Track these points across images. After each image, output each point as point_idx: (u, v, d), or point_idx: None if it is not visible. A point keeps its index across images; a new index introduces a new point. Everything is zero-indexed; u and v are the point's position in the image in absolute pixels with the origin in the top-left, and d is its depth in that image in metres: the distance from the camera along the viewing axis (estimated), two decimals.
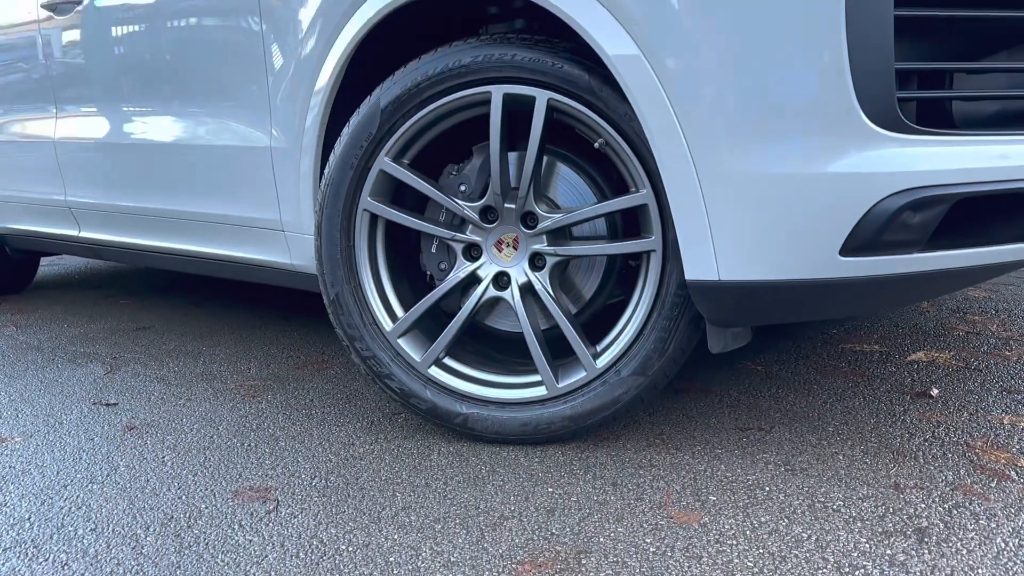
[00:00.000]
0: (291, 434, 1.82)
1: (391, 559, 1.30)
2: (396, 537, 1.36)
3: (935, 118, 1.31)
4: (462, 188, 1.69)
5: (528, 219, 1.66)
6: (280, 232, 2.05)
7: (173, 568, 1.30)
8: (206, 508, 1.50)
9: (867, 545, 1.27)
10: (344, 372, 2.24)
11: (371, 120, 1.66)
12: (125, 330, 2.84)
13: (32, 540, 1.42)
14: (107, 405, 2.07)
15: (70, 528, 1.45)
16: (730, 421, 1.77)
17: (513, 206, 1.64)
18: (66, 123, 2.63)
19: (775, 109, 1.29)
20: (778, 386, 1.96)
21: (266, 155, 1.99)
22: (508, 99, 1.56)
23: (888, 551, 1.25)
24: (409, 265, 1.84)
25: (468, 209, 1.66)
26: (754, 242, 1.34)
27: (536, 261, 1.67)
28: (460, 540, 1.34)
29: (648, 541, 1.31)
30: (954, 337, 2.27)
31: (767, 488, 1.47)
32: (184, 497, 1.54)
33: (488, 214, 1.68)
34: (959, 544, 1.26)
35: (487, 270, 1.70)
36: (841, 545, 1.27)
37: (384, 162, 1.67)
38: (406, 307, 1.75)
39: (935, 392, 1.87)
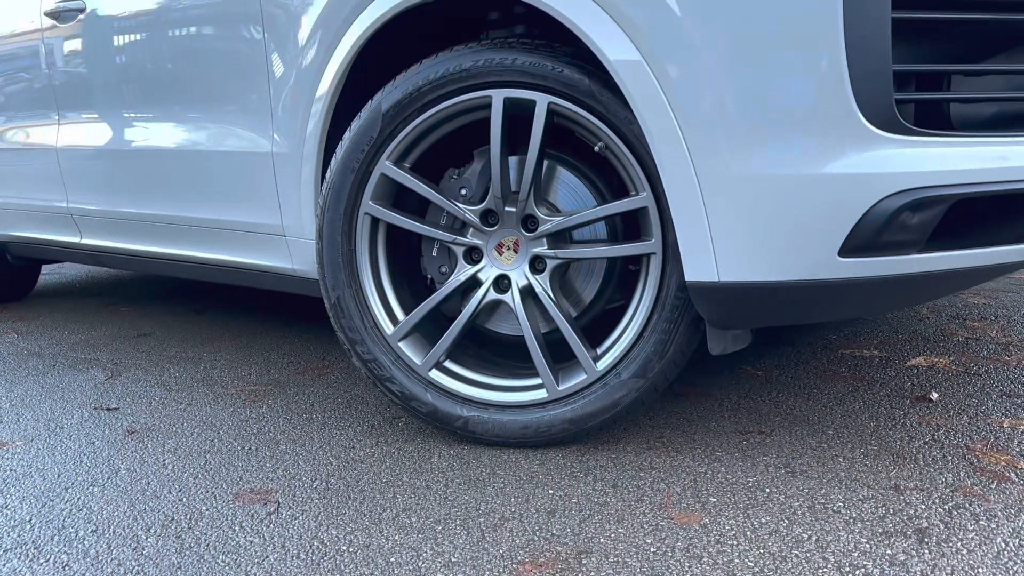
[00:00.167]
0: (292, 438, 1.82)
1: (392, 559, 1.30)
2: (397, 538, 1.36)
3: (933, 120, 1.32)
4: (463, 192, 1.70)
5: (528, 222, 1.67)
6: (281, 237, 2.06)
7: (174, 569, 1.30)
8: (207, 510, 1.50)
9: (867, 545, 1.27)
10: (344, 377, 2.25)
11: (372, 124, 1.67)
12: (126, 337, 2.85)
13: (33, 541, 1.42)
14: (108, 410, 2.08)
15: (71, 530, 1.45)
16: (730, 424, 1.77)
17: (514, 209, 1.65)
18: (68, 130, 2.64)
19: (774, 112, 1.30)
20: (778, 390, 1.96)
21: (268, 160, 2.00)
22: (509, 103, 1.57)
23: (888, 551, 1.25)
24: (410, 269, 1.85)
25: (469, 212, 1.67)
26: (754, 243, 1.35)
27: (536, 264, 1.68)
28: (461, 541, 1.34)
29: (649, 541, 1.31)
30: (954, 342, 2.28)
31: (767, 490, 1.47)
32: (185, 499, 1.55)
33: (489, 217, 1.68)
34: (959, 544, 1.26)
35: (488, 273, 1.70)
36: (841, 545, 1.27)
37: (385, 166, 1.68)
38: (407, 310, 1.76)
39: (935, 396, 1.87)
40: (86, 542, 1.40)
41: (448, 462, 1.65)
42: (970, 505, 1.38)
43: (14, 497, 1.59)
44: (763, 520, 1.36)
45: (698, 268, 1.40)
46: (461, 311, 1.70)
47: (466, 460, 1.66)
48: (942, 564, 1.21)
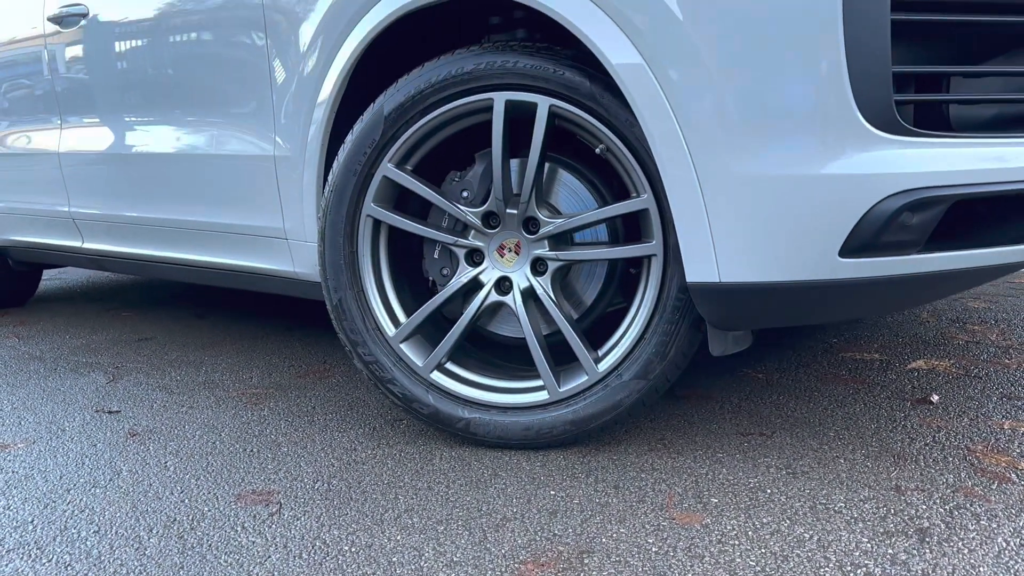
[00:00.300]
0: (293, 440, 1.82)
1: (394, 559, 1.30)
2: (399, 538, 1.37)
3: (932, 121, 1.32)
4: (464, 194, 1.71)
5: (530, 224, 1.67)
6: (283, 240, 2.06)
7: (176, 568, 1.31)
8: (209, 511, 1.50)
9: (869, 545, 1.27)
10: (346, 381, 2.25)
11: (375, 127, 1.68)
12: (127, 341, 2.85)
13: (35, 542, 1.42)
14: (109, 413, 2.08)
15: (73, 530, 1.45)
16: (731, 427, 1.77)
17: (515, 211, 1.65)
18: (71, 135, 2.65)
19: (775, 113, 1.31)
20: (779, 393, 1.97)
21: (270, 164, 2.01)
22: (510, 105, 1.58)
23: (890, 550, 1.25)
24: (412, 271, 1.85)
25: (470, 214, 1.68)
26: (755, 244, 1.35)
27: (538, 266, 1.68)
28: (463, 541, 1.35)
29: (650, 541, 1.31)
30: (954, 346, 2.28)
31: (769, 491, 1.47)
32: (187, 500, 1.55)
33: (490, 219, 1.69)
34: (960, 544, 1.26)
35: (489, 275, 1.71)
36: (843, 545, 1.28)
37: (387, 168, 1.69)
38: (408, 312, 1.76)
39: (935, 398, 1.87)
40: (88, 542, 1.41)
41: (450, 464, 1.65)
42: (971, 505, 1.38)
43: (16, 498, 1.60)
44: (765, 520, 1.36)
45: (699, 269, 1.41)
46: (463, 313, 1.71)
47: (468, 462, 1.66)
48: (943, 563, 1.21)
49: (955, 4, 1.26)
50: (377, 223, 1.74)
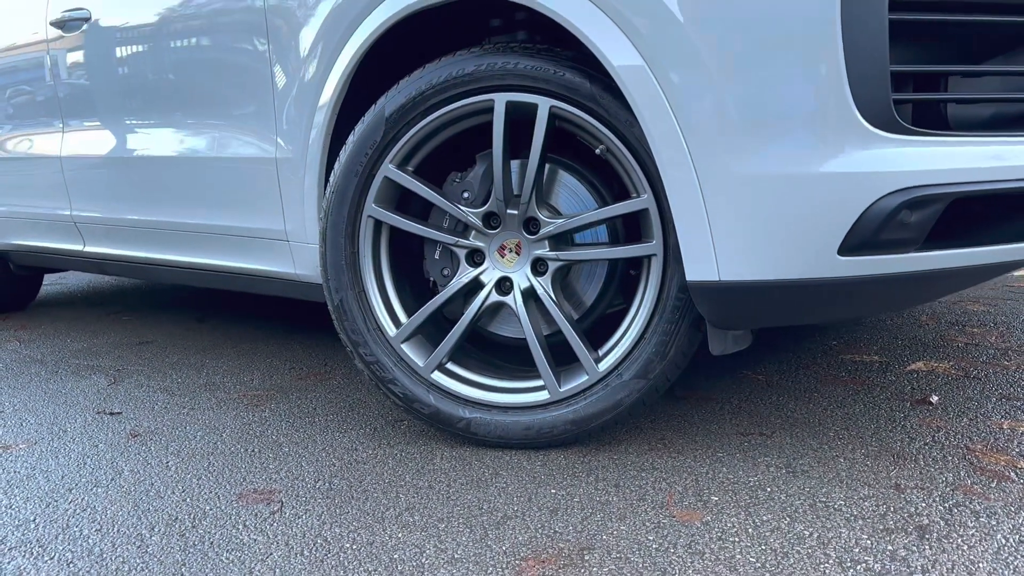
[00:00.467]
0: (294, 440, 1.83)
1: (395, 556, 1.30)
2: (400, 536, 1.37)
3: (931, 121, 1.33)
4: (465, 195, 1.72)
5: (530, 225, 1.68)
6: (284, 242, 2.07)
7: (178, 566, 1.31)
8: (210, 509, 1.50)
9: (868, 541, 1.28)
10: (346, 382, 2.26)
11: (376, 128, 1.69)
12: (128, 344, 2.85)
13: (37, 540, 1.42)
14: (111, 414, 2.08)
15: (75, 529, 1.46)
16: (731, 427, 1.78)
17: (515, 212, 1.66)
18: (72, 139, 2.66)
19: (774, 113, 1.32)
20: (779, 394, 1.97)
21: (271, 167, 2.02)
22: (511, 106, 1.59)
23: (889, 547, 1.26)
24: (412, 271, 1.86)
25: (471, 215, 1.68)
26: (754, 242, 1.36)
27: (538, 266, 1.69)
28: (464, 538, 1.35)
29: (651, 538, 1.32)
30: (953, 348, 2.29)
31: (768, 489, 1.48)
32: (188, 500, 1.55)
33: (491, 220, 1.70)
34: (960, 540, 1.27)
35: (490, 275, 1.72)
36: (843, 542, 1.28)
37: (388, 169, 1.70)
38: (409, 313, 1.77)
39: (935, 399, 1.88)
40: (90, 540, 1.41)
41: (450, 463, 1.66)
42: (970, 503, 1.39)
43: (18, 497, 1.60)
44: (765, 518, 1.37)
45: (699, 268, 1.42)
46: (463, 313, 1.72)
47: (468, 461, 1.66)
48: (943, 559, 1.22)
49: (953, 4, 1.28)
50: (378, 224, 1.75)
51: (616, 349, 1.64)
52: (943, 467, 1.53)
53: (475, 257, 1.74)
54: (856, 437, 1.69)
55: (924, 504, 1.39)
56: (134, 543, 1.39)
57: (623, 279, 1.77)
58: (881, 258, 1.31)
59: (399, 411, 1.98)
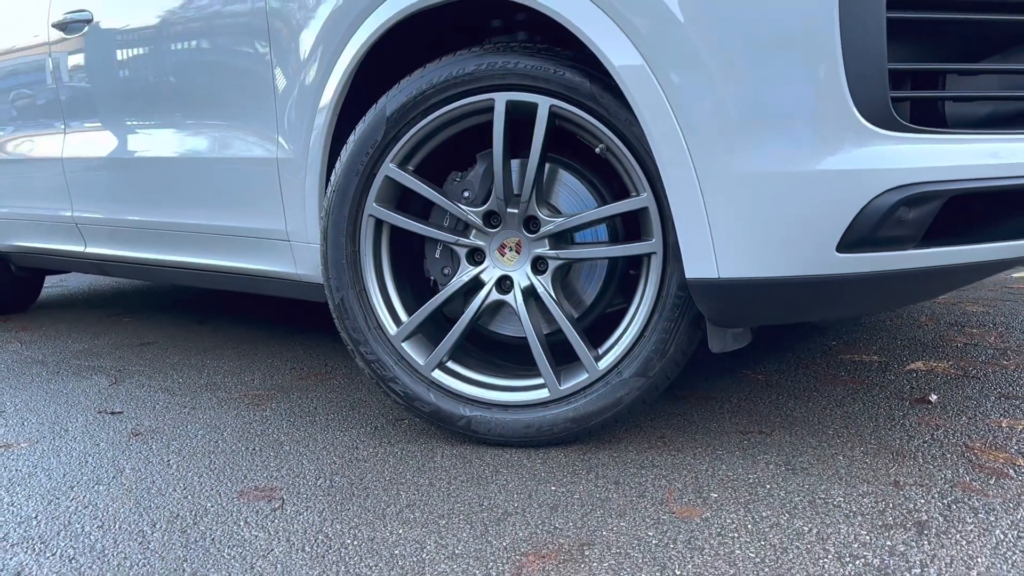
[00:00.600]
0: (295, 439, 1.83)
1: (396, 552, 1.31)
2: (401, 532, 1.37)
3: (928, 118, 1.34)
4: (465, 194, 1.72)
5: (530, 224, 1.69)
6: (285, 242, 2.08)
7: (180, 561, 1.31)
8: (212, 507, 1.51)
9: (867, 537, 1.28)
10: (347, 382, 2.26)
11: (377, 128, 1.70)
12: (129, 345, 2.86)
13: (39, 536, 1.43)
14: (112, 413, 2.09)
15: (77, 525, 1.46)
16: (731, 425, 1.78)
17: (516, 211, 1.67)
18: (74, 140, 2.67)
19: (773, 111, 1.33)
20: (778, 393, 1.98)
21: (272, 167, 2.03)
22: (511, 106, 1.60)
23: (888, 542, 1.26)
24: (413, 270, 1.87)
25: (471, 214, 1.69)
26: (753, 240, 1.37)
27: (539, 265, 1.70)
28: (464, 534, 1.36)
29: (650, 534, 1.32)
30: (952, 348, 2.29)
31: (768, 486, 1.48)
32: (190, 497, 1.56)
33: (491, 219, 1.71)
34: (958, 536, 1.27)
35: (490, 274, 1.72)
36: (842, 537, 1.29)
37: (389, 168, 1.70)
38: (410, 311, 1.78)
39: (934, 398, 1.88)
40: (92, 537, 1.41)
41: (451, 461, 1.66)
42: (969, 499, 1.39)
43: (20, 495, 1.60)
44: (764, 514, 1.37)
45: (698, 265, 1.42)
46: (464, 312, 1.72)
47: (469, 459, 1.67)
48: (941, 554, 1.22)
49: (950, 2, 1.28)
50: (379, 223, 1.76)
51: (616, 347, 1.65)
52: (942, 464, 1.53)
53: (475, 256, 1.75)
54: (855, 435, 1.69)
55: (923, 500, 1.39)
56: (136, 539, 1.40)
57: (623, 278, 1.78)
58: (879, 255, 1.32)
59: (400, 410, 1.98)
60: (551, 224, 1.65)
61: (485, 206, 1.69)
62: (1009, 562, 1.20)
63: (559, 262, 1.68)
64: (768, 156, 1.33)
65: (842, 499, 1.41)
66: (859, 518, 1.34)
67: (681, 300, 1.56)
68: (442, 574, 1.24)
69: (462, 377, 1.74)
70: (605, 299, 1.79)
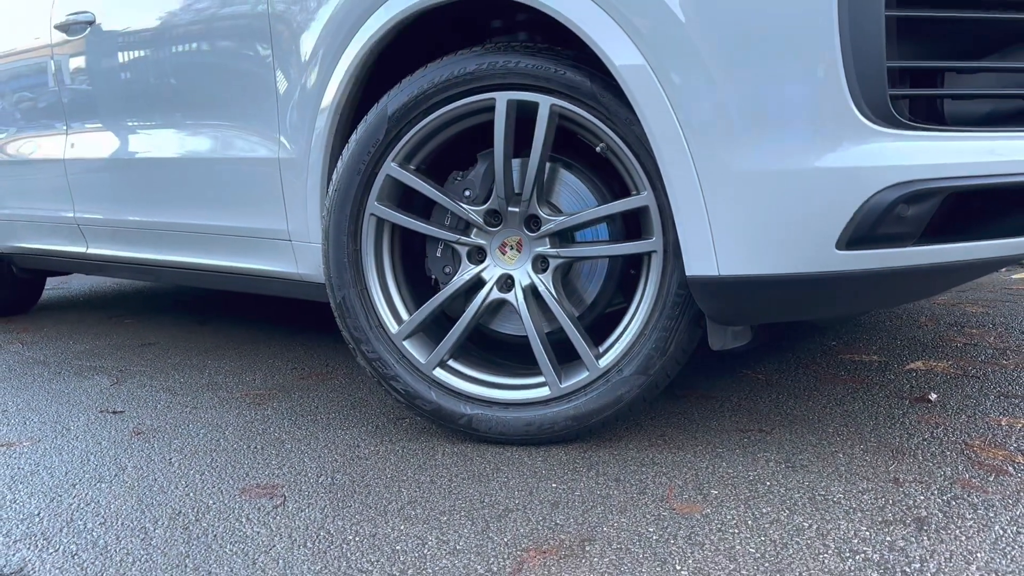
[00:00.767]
0: (296, 437, 1.84)
1: (398, 547, 1.31)
2: (402, 528, 1.38)
3: (927, 116, 1.35)
4: (467, 193, 1.73)
5: (531, 222, 1.70)
6: (287, 242, 2.09)
7: (182, 557, 1.32)
8: (214, 504, 1.51)
9: (867, 533, 1.29)
10: (348, 382, 2.27)
11: (378, 127, 1.70)
12: (130, 346, 2.87)
13: (42, 533, 1.43)
14: (114, 413, 2.10)
15: (79, 522, 1.47)
16: (731, 424, 1.79)
17: (517, 210, 1.68)
18: (76, 141, 2.68)
19: (773, 110, 1.34)
20: (778, 392, 1.98)
21: (274, 167, 2.04)
22: (512, 105, 1.61)
23: (888, 538, 1.27)
24: (415, 269, 1.88)
25: (473, 213, 1.70)
26: (753, 237, 1.38)
27: (540, 263, 1.70)
28: (466, 531, 1.36)
29: (651, 530, 1.33)
30: (952, 348, 2.30)
31: (768, 483, 1.49)
32: (192, 494, 1.56)
33: (492, 218, 1.71)
34: (958, 531, 1.28)
35: (491, 272, 1.73)
36: (842, 533, 1.29)
37: (391, 167, 1.71)
38: (411, 310, 1.79)
39: (933, 397, 1.89)
40: (94, 533, 1.42)
41: (452, 459, 1.67)
42: (968, 496, 1.40)
43: (22, 492, 1.61)
44: (764, 511, 1.38)
45: (699, 263, 1.43)
46: (465, 311, 1.73)
47: (470, 457, 1.67)
48: (940, 550, 1.23)
49: (950, 0, 1.29)
50: (381, 222, 1.77)
51: (617, 345, 1.65)
52: (941, 462, 1.54)
53: (477, 255, 1.75)
54: (855, 433, 1.70)
55: (922, 497, 1.40)
56: (138, 536, 1.40)
57: (623, 277, 1.79)
58: (879, 252, 1.33)
59: (401, 408, 1.99)
60: (552, 223, 1.66)
61: (486, 205, 1.69)
62: (1008, 557, 1.20)
63: (560, 261, 1.69)
64: (768, 154, 1.34)
65: (842, 496, 1.42)
66: (859, 514, 1.35)
67: (681, 298, 1.57)
68: (444, 569, 1.24)
69: (463, 375, 1.75)
70: (606, 298, 1.79)
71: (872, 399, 1.90)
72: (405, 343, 1.75)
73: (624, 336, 1.65)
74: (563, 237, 1.70)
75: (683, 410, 1.89)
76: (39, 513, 1.51)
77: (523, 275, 1.71)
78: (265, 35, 2.01)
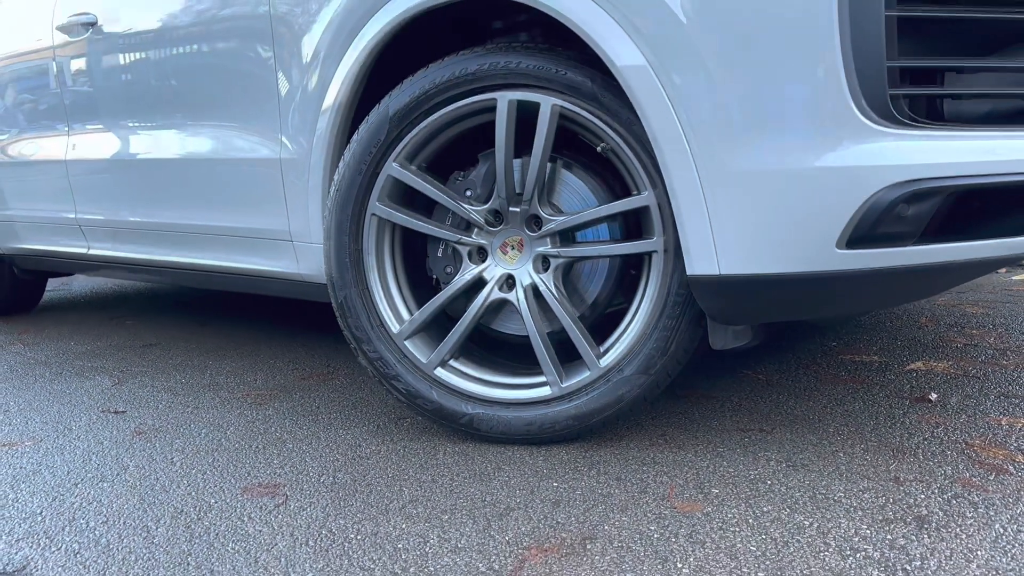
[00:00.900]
0: (298, 437, 1.84)
1: (399, 545, 1.32)
2: (404, 526, 1.38)
3: (928, 115, 1.35)
4: (468, 193, 1.73)
5: (533, 222, 1.70)
6: (289, 242, 2.09)
7: (184, 555, 1.32)
8: (216, 503, 1.52)
9: (868, 531, 1.29)
10: (349, 382, 2.27)
11: (380, 127, 1.71)
12: (131, 347, 2.87)
13: (45, 531, 1.44)
14: (115, 413, 2.10)
15: (82, 521, 1.47)
16: (732, 423, 1.79)
17: (518, 210, 1.68)
18: (78, 142, 2.69)
19: (774, 110, 1.34)
20: (779, 392, 1.99)
21: (276, 168, 2.04)
22: (513, 105, 1.61)
23: (889, 536, 1.27)
24: (416, 269, 1.88)
25: (474, 213, 1.70)
26: (754, 237, 1.38)
27: (541, 263, 1.71)
28: (467, 529, 1.36)
29: (652, 528, 1.33)
30: (952, 348, 2.30)
31: (769, 482, 1.49)
32: (194, 493, 1.57)
33: (494, 217, 1.72)
34: (958, 530, 1.28)
35: (493, 272, 1.73)
36: (842, 531, 1.29)
37: (392, 168, 1.72)
38: (412, 310, 1.79)
39: (933, 397, 1.89)
40: (97, 532, 1.42)
41: (454, 458, 1.67)
42: (969, 494, 1.40)
43: (24, 492, 1.61)
44: (765, 509, 1.38)
45: (700, 262, 1.43)
46: (466, 311, 1.73)
47: (471, 456, 1.68)
48: (941, 548, 1.23)
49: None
50: (382, 222, 1.77)
51: (618, 345, 1.66)
52: (942, 461, 1.54)
53: (478, 254, 1.76)
54: (855, 433, 1.70)
55: (923, 496, 1.40)
56: (140, 534, 1.40)
57: (624, 277, 1.79)
58: (880, 251, 1.33)
59: (402, 408, 1.99)
60: (553, 223, 1.66)
61: (488, 205, 1.70)
62: (1008, 555, 1.20)
63: (561, 260, 1.69)
64: (769, 154, 1.35)
65: (843, 494, 1.42)
66: (859, 513, 1.35)
67: (683, 298, 1.57)
68: (445, 567, 1.25)
69: (465, 375, 1.75)
70: (607, 298, 1.79)
71: (872, 399, 1.90)
72: (406, 343, 1.76)
73: (625, 336, 1.65)
74: (564, 237, 1.71)
75: (684, 410, 1.89)
76: (41, 512, 1.52)
77: (524, 275, 1.71)
78: (267, 37, 2.02)
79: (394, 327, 1.77)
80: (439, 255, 1.81)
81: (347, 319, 1.79)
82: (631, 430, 1.77)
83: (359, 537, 1.35)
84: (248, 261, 2.24)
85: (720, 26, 1.35)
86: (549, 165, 1.71)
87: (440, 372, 1.74)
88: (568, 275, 1.77)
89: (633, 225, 1.73)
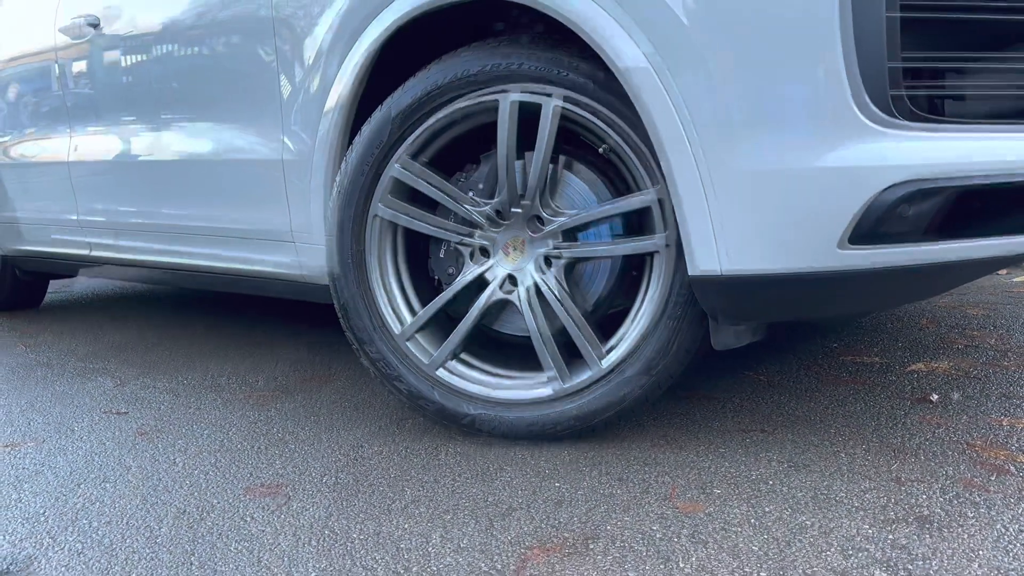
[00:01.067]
0: (300, 438, 1.84)
1: (402, 545, 1.32)
2: (407, 526, 1.38)
3: (930, 114, 1.35)
4: (470, 193, 1.74)
5: (535, 222, 1.70)
6: (291, 243, 2.09)
7: (187, 555, 1.32)
8: (218, 503, 1.52)
9: (870, 531, 1.29)
10: (350, 384, 2.27)
11: (382, 129, 1.71)
12: (133, 348, 2.87)
13: (48, 531, 1.44)
14: (117, 413, 2.10)
15: (84, 521, 1.47)
16: (733, 424, 1.79)
17: (521, 210, 1.68)
18: (81, 144, 2.69)
19: (775, 110, 1.34)
20: (780, 393, 1.99)
21: (278, 169, 2.05)
22: (515, 106, 1.61)
23: (891, 536, 1.27)
24: (418, 270, 1.88)
25: (476, 213, 1.71)
26: (755, 236, 1.38)
27: (543, 263, 1.71)
28: (470, 528, 1.37)
29: (655, 528, 1.33)
30: (953, 350, 2.30)
31: (771, 482, 1.49)
32: (196, 493, 1.57)
33: (496, 218, 1.72)
34: (960, 529, 1.28)
35: (495, 272, 1.74)
36: (845, 531, 1.30)
37: (395, 168, 1.72)
38: (414, 311, 1.79)
39: (934, 397, 1.89)
40: (100, 532, 1.43)
41: (456, 459, 1.67)
42: (970, 495, 1.40)
43: (27, 492, 1.62)
44: (767, 509, 1.38)
45: (701, 261, 1.44)
46: (468, 311, 1.73)
47: (473, 456, 1.68)
48: (943, 547, 1.23)
49: None
50: (384, 222, 1.77)
51: (620, 345, 1.66)
52: (943, 461, 1.54)
53: (480, 255, 1.76)
54: (857, 433, 1.70)
55: (925, 496, 1.40)
56: (143, 534, 1.41)
57: (626, 277, 1.79)
58: (882, 250, 1.33)
59: (404, 409, 1.99)
60: (555, 223, 1.67)
61: (490, 205, 1.70)
62: (1010, 555, 1.21)
63: (563, 260, 1.69)
64: (770, 154, 1.35)
65: (844, 494, 1.42)
66: (861, 513, 1.35)
67: (685, 298, 1.57)
68: (448, 566, 1.25)
69: (467, 376, 1.76)
70: (608, 298, 1.79)
71: (874, 400, 1.90)
72: (408, 344, 1.76)
73: (627, 336, 1.66)
74: (566, 237, 1.71)
75: (686, 411, 1.89)
76: (44, 512, 1.52)
77: (527, 275, 1.71)
78: (269, 39, 2.02)
79: (396, 328, 1.77)
80: (441, 256, 1.81)
81: (349, 320, 1.79)
82: (633, 431, 1.78)
83: (362, 537, 1.35)
84: (250, 262, 2.25)
85: (721, 26, 1.36)
86: (551, 166, 1.72)
87: (442, 373, 1.75)
88: (570, 275, 1.78)
89: (635, 225, 1.73)
